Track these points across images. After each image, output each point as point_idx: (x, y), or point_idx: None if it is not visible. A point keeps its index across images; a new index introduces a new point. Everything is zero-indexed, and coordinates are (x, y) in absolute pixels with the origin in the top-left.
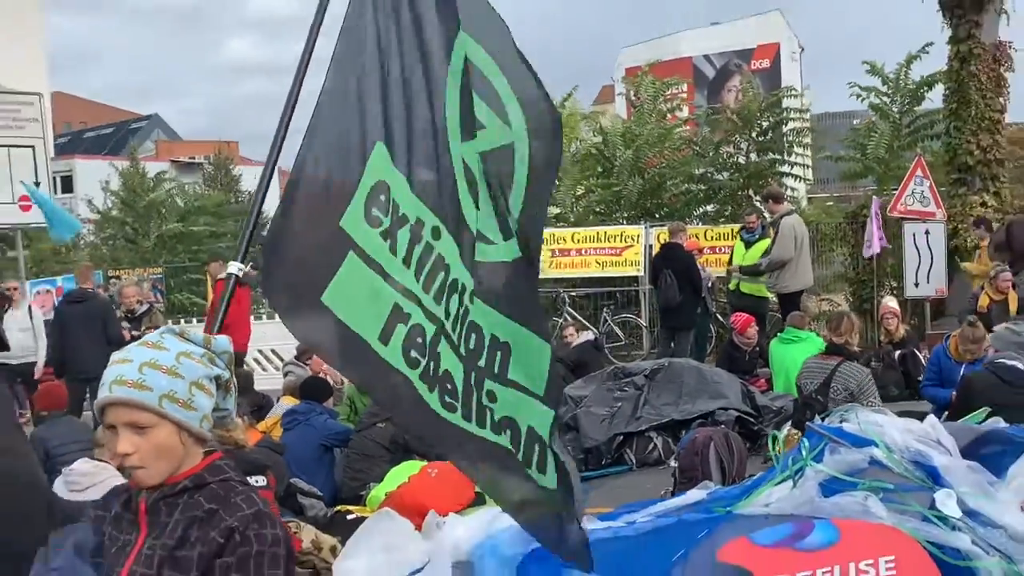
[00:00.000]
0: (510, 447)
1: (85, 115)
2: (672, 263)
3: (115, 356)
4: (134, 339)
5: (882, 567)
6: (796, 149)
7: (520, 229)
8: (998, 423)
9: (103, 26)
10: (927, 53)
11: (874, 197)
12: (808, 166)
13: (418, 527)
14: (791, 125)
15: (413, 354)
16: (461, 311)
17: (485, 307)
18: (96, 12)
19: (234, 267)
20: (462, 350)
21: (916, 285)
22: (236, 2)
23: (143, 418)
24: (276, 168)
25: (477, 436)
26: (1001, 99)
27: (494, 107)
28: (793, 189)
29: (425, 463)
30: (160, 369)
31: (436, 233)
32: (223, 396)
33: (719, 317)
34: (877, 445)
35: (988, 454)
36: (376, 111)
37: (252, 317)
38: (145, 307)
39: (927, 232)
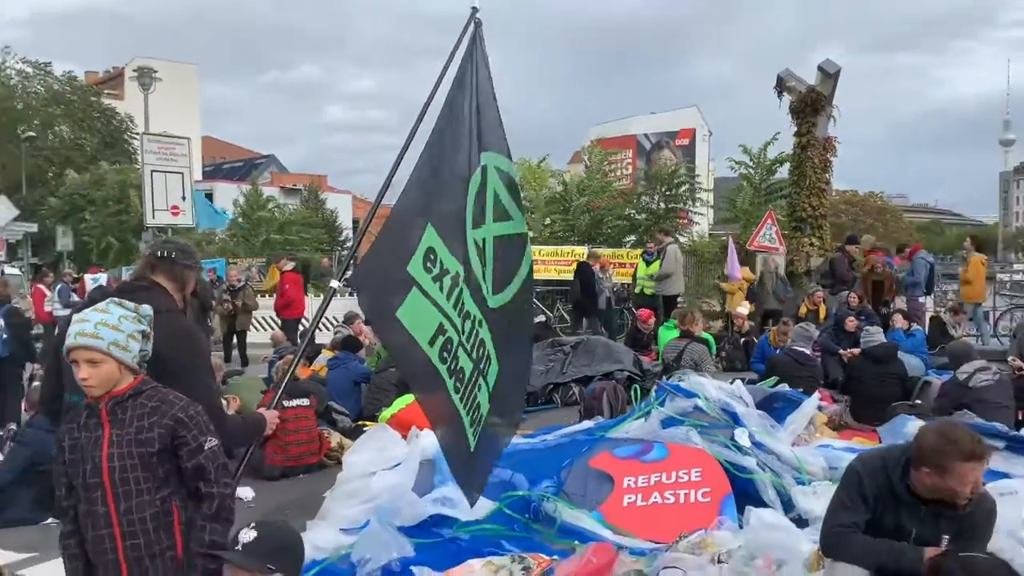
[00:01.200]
0: (468, 427)
1: (225, 152)
2: (579, 274)
3: (76, 317)
4: (234, 307)
5: (693, 474)
6: (690, 201)
7: (515, 291)
8: (785, 387)
9: (244, 91)
10: (778, 140)
11: (730, 236)
12: (703, 213)
13: (405, 437)
14: (686, 186)
15: (444, 355)
16: (473, 332)
17: (488, 331)
18: (239, 81)
19: (335, 283)
20: (473, 355)
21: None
22: (334, 80)
23: (96, 356)
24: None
25: (459, 414)
26: (827, 174)
27: (510, 206)
28: (697, 223)
29: None
30: (108, 326)
31: (466, 281)
32: (145, 342)
33: (632, 310)
34: (699, 397)
35: (776, 407)
36: (434, 193)
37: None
38: (241, 283)
39: (773, 261)
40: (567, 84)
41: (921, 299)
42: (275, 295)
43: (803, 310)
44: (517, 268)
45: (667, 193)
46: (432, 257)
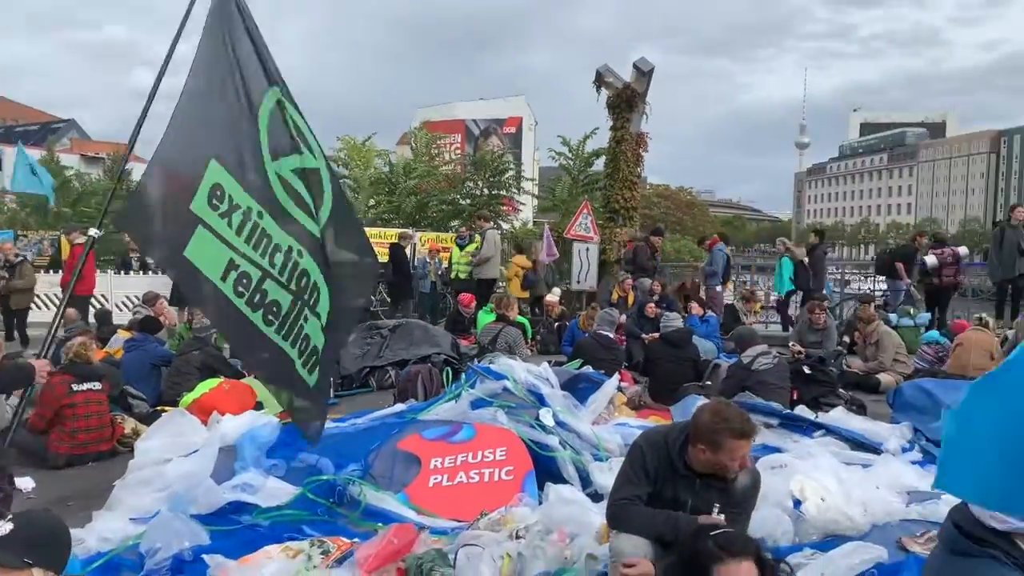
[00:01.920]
0: (297, 359)
1: (18, 114)
2: (392, 256)
3: None
4: (8, 283)
5: (498, 453)
6: (514, 189)
7: (328, 219)
8: (589, 369)
9: (42, 49)
10: (597, 133)
11: (545, 224)
12: (524, 203)
13: (207, 423)
14: (510, 174)
15: (240, 289)
16: (291, 263)
17: (311, 261)
18: (37, 38)
19: (94, 232)
20: (292, 287)
21: (578, 282)
22: (143, 43)
23: None
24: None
25: (279, 346)
26: (639, 168)
27: (303, 140)
28: (521, 211)
29: (222, 380)
30: None
31: (260, 215)
32: None
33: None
34: (508, 379)
35: (580, 388)
36: (216, 127)
37: (121, 271)
38: (20, 259)
39: (587, 249)
40: (398, 63)
41: (719, 288)
42: (62, 270)
43: (614, 296)
44: (330, 200)
45: (492, 179)
46: (219, 194)
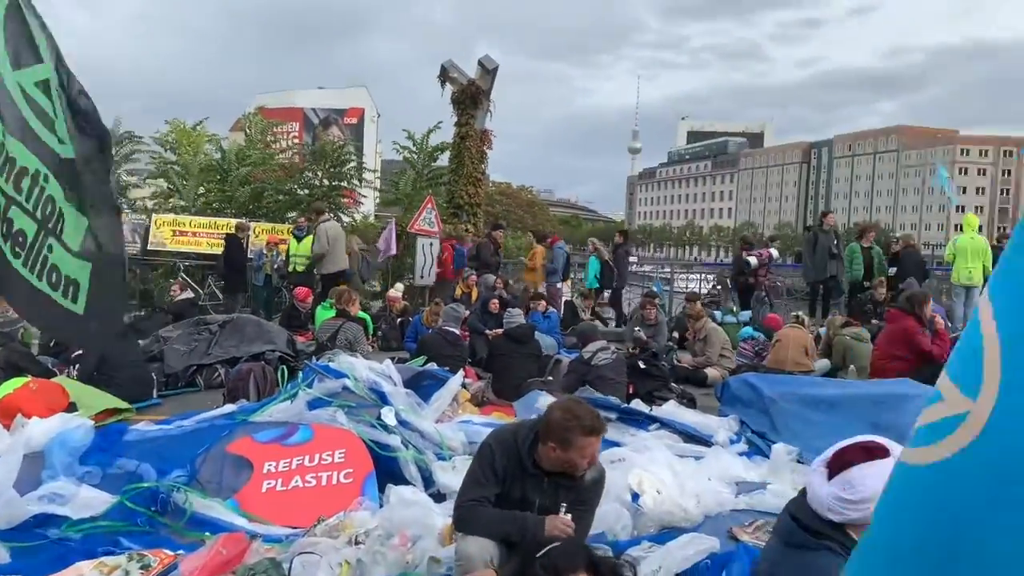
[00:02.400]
0: (52, 291)
1: None
2: (226, 247)
3: None
4: None
5: (337, 456)
6: (356, 181)
7: (71, 139)
8: (433, 366)
9: None
10: (440, 128)
11: (394, 219)
12: (367, 195)
13: (9, 427)
14: (351, 165)
15: None
16: (36, 189)
17: (57, 186)
18: None
19: None
20: (38, 215)
21: (421, 277)
22: None
23: None
24: None
25: (33, 285)
26: (483, 165)
27: (35, 48)
28: (362, 203)
29: (29, 379)
30: None
31: (3, 134)
32: None
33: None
34: (348, 377)
35: (424, 385)
36: None
37: None
38: None
39: (431, 244)
40: (233, 46)
41: (559, 284)
42: None
43: (458, 292)
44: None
45: (332, 170)
46: None
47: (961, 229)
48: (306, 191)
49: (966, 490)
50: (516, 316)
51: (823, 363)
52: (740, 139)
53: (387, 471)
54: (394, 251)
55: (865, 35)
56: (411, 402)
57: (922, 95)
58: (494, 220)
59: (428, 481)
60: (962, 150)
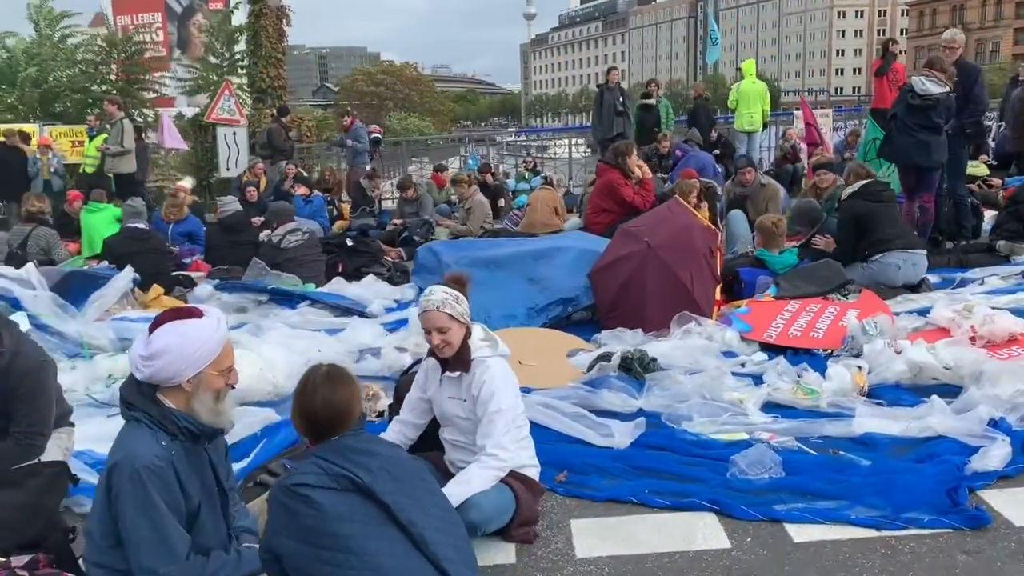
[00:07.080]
0: None
1: None
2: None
3: None
4: None
5: None
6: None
7: None
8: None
9: None
10: (239, 9)
11: (162, 112)
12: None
13: None
14: (148, 54)
15: None
16: None
17: None
18: None
19: None
20: None
21: (227, 169)
22: None
23: None
24: None
25: None
26: (282, 44)
27: None
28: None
29: None
30: None
31: None
32: None
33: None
34: None
35: (72, 289)
36: None
37: None
38: None
39: (234, 133)
40: None
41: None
42: None
43: (244, 180)
44: None
45: (126, 63)
46: None
47: (742, 75)
48: (104, 87)
49: None
50: (229, 204)
51: (573, 220)
52: None
53: None
54: (183, 145)
55: None
56: (54, 306)
57: None
58: (282, 105)
59: None
60: None
